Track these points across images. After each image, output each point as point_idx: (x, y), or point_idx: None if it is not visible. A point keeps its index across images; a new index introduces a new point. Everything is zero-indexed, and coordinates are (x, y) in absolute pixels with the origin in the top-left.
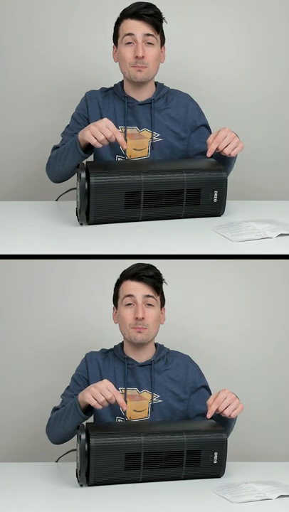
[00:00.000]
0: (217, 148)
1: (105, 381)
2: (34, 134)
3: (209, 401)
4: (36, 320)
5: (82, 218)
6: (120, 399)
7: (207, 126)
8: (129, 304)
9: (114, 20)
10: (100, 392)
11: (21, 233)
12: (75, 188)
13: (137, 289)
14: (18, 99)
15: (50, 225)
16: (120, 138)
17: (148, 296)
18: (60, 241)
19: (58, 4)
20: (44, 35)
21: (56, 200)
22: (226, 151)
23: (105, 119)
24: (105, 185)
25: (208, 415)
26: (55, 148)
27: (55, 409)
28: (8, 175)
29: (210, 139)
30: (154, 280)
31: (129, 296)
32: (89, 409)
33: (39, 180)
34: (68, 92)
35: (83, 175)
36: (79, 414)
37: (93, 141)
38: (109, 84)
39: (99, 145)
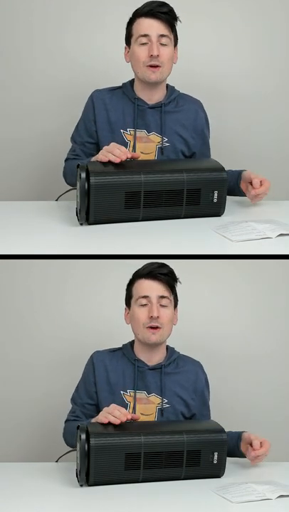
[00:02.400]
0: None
1: (112, 405)
2: (34, 135)
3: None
4: (36, 320)
5: (82, 218)
6: (131, 416)
7: (207, 141)
8: (144, 305)
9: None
10: (110, 413)
11: (21, 233)
12: (75, 188)
13: (152, 289)
14: (19, 101)
15: (50, 225)
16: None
17: (162, 297)
18: (60, 241)
19: (58, 6)
20: (44, 38)
21: (56, 200)
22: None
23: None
24: (105, 185)
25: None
26: (68, 159)
27: (68, 420)
28: (8, 175)
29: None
30: (168, 278)
31: (144, 297)
32: None
33: (39, 180)
34: (68, 93)
35: (83, 175)
36: None
37: (112, 158)
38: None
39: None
